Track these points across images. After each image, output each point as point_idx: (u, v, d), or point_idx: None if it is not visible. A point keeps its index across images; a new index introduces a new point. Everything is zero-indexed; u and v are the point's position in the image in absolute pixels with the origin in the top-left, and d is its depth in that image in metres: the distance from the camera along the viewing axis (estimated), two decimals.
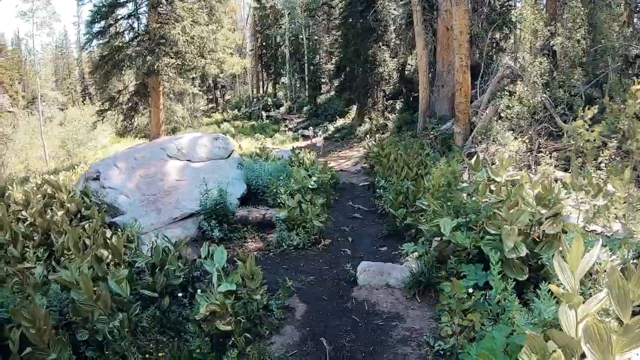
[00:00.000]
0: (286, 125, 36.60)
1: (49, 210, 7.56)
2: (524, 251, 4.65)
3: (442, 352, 4.29)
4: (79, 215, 7.84)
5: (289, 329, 5.17)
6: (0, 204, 7.45)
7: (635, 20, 20.10)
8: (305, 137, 28.73)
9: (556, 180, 7.72)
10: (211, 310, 4.33)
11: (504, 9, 19.00)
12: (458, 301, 4.36)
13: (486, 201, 6.06)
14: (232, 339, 4.48)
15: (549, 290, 3.68)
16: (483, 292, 4.60)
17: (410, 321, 5.14)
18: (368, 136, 23.55)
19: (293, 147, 14.31)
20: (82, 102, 42.31)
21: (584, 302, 2.68)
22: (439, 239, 5.95)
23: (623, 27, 14.83)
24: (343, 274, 6.55)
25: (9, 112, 29.93)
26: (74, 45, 65.38)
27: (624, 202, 5.84)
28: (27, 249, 5.91)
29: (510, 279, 4.42)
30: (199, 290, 4.96)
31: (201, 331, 4.46)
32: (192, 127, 27.72)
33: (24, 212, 7.66)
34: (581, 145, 7.19)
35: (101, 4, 21.37)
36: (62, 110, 38.43)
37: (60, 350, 3.93)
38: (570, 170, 8.43)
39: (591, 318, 2.58)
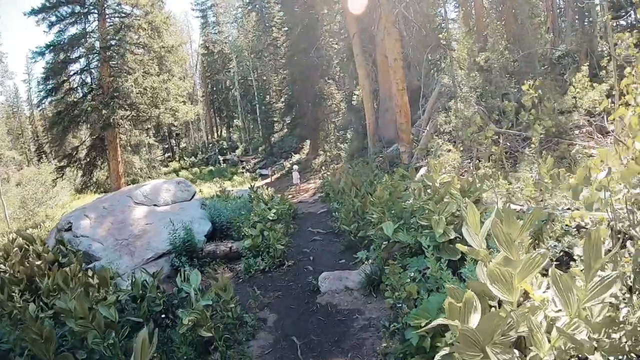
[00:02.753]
0: (244, 167, 37.31)
1: (26, 262, 7.97)
2: (452, 234, 5.56)
3: (396, 331, 5.04)
4: (56, 264, 8.25)
5: (262, 334, 5.87)
6: None
7: (560, 22, 22.23)
8: (264, 176, 29.47)
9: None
10: (193, 319, 5.02)
11: (436, 32, 20.51)
12: (399, 278, 5.23)
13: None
14: (214, 344, 5.16)
15: (473, 259, 4.57)
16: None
17: (368, 313, 5.92)
18: (323, 167, 24.46)
19: (252, 185, 14.90)
20: (38, 160, 41.65)
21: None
22: (386, 242, 6.86)
23: (547, 33, 16.69)
24: (307, 285, 7.30)
25: None
26: (25, 103, 63.64)
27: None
28: (14, 294, 6.32)
29: (445, 259, 5.32)
30: (179, 310, 5.62)
31: (186, 339, 5.11)
32: (150, 177, 27.98)
33: (2, 266, 8.01)
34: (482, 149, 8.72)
35: (54, 60, 21.87)
36: (19, 170, 37.77)
37: None
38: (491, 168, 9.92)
39: (493, 265, 3.42)
